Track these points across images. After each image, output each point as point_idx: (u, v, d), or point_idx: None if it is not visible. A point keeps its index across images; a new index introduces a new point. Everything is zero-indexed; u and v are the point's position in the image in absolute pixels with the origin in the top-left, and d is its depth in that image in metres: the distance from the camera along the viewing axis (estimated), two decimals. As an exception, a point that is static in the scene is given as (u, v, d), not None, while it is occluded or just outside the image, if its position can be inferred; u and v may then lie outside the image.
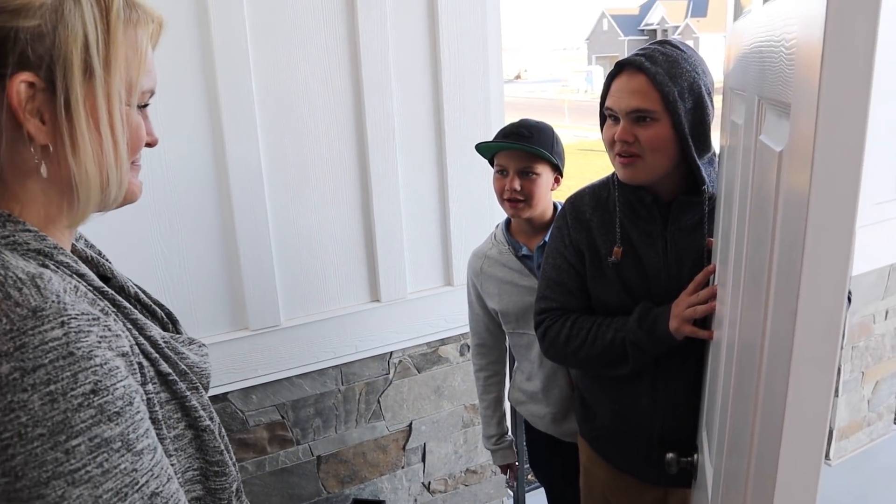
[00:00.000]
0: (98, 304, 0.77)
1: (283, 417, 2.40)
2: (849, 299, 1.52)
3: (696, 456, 1.53)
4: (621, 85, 1.47)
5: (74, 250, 0.91)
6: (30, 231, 0.76)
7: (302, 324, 2.34)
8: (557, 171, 1.94)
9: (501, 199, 1.95)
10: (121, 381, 0.71)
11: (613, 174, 1.63)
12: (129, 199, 0.86)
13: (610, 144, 1.51)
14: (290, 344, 2.33)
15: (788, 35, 0.77)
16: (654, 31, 70.58)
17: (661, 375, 1.58)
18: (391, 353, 2.54)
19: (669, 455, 1.54)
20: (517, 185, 1.89)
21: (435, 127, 2.46)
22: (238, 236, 2.18)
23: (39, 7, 0.73)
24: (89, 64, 0.76)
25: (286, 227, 2.27)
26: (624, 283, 1.57)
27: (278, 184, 2.23)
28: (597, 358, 1.58)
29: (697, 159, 1.46)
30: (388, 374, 2.56)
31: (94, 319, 0.71)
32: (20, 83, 0.72)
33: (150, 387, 0.79)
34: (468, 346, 2.67)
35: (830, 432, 3.36)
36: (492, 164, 1.99)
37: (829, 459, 3.40)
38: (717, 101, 1.49)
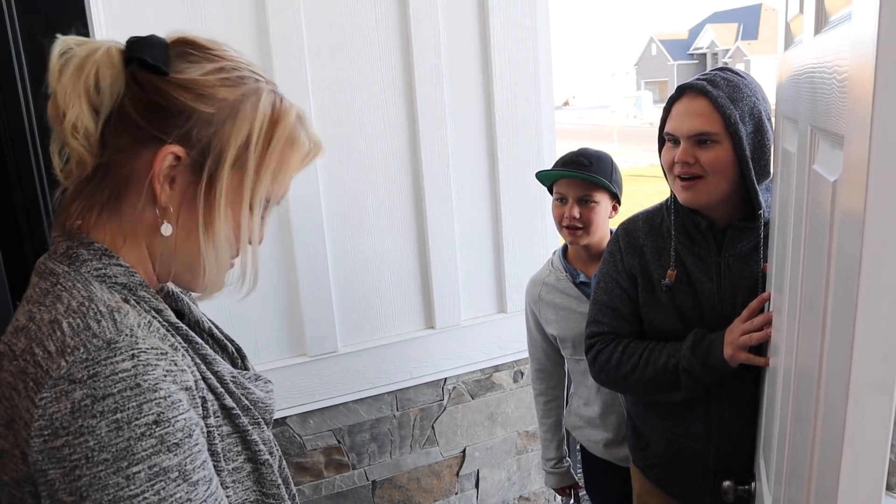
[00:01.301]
0: (169, 340, 0.82)
1: (339, 442, 2.44)
2: None
3: (753, 484, 1.52)
4: (682, 108, 1.49)
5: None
6: (121, 266, 0.83)
7: (358, 350, 2.39)
8: (616, 199, 1.97)
9: (560, 227, 1.99)
10: (182, 413, 0.75)
11: (667, 200, 1.64)
12: (215, 289, 0.92)
13: (669, 167, 1.52)
14: (347, 370, 2.38)
15: (841, 65, 0.79)
16: (704, 54, 69.96)
17: (714, 401, 1.57)
18: (445, 379, 2.57)
19: (726, 483, 1.53)
20: (576, 213, 1.92)
21: (488, 155, 2.51)
22: (297, 265, 2.24)
23: (221, 100, 0.82)
24: (242, 161, 0.84)
25: (343, 255, 2.33)
26: (677, 308, 1.57)
27: (336, 214, 2.29)
28: (648, 383, 1.58)
29: (757, 181, 1.47)
30: (443, 400, 2.59)
31: (162, 354, 0.76)
32: (169, 153, 0.81)
33: (212, 420, 0.83)
34: (522, 373, 2.68)
35: (896, 463, 3.26)
36: (550, 191, 2.03)
37: (896, 491, 3.29)
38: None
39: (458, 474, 2.69)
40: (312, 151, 0.92)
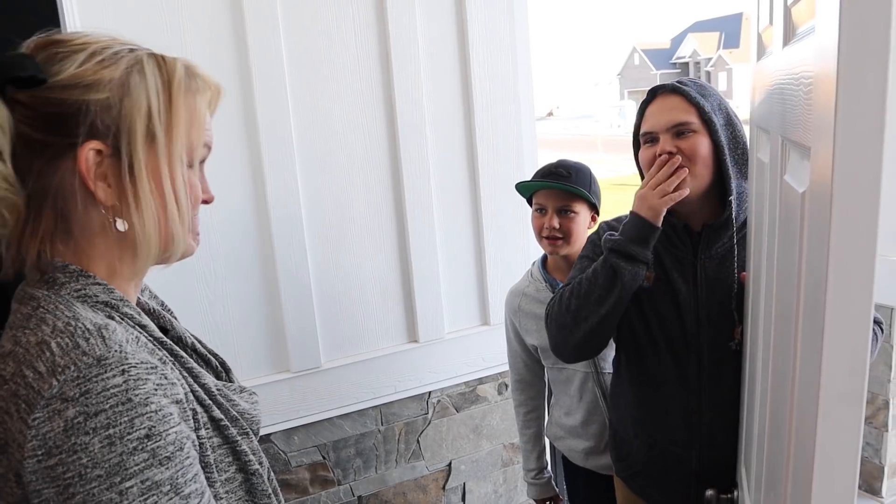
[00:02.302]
0: (157, 354, 0.82)
1: (324, 458, 2.42)
2: (881, 328, 1.51)
3: (735, 492, 1.52)
4: (657, 107, 1.54)
5: (138, 302, 0.97)
6: (99, 284, 0.83)
7: (342, 365, 2.38)
8: (594, 209, 1.99)
9: (539, 237, 2.00)
10: (173, 426, 0.76)
11: None
12: (186, 254, 0.92)
13: (649, 165, 1.53)
14: (331, 385, 2.37)
15: (806, 77, 0.80)
16: (686, 63, 70.59)
17: (694, 406, 1.58)
18: (430, 392, 2.56)
19: (709, 492, 1.53)
20: (556, 223, 1.94)
21: (469, 168, 2.51)
22: (279, 281, 2.24)
23: (109, 81, 0.81)
24: (152, 131, 0.83)
25: (326, 271, 2.33)
26: (654, 307, 1.59)
27: (318, 229, 2.29)
28: (588, 295, 1.53)
29: (732, 168, 1.50)
30: (427, 413, 2.58)
31: (152, 368, 0.76)
32: (89, 151, 0.79)
33: (202, 432, 0.83)
34: (506, 385, 2.68)
35: (882, 469, 3.27)
36: (530, 203, 2.04)
37: (883, 497, 3.30)
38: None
39: (444, 488, 2.68)
40: (214, 94, 0.92)
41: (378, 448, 2.51)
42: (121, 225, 0.82)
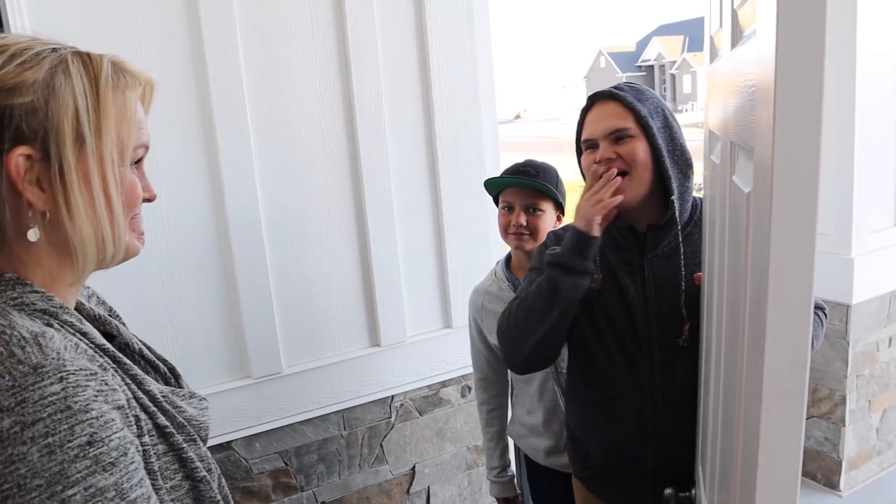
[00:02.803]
0: (97, 361, 0.80)
1: (286, 464, 2.40)
2: (825, 313, 1.55)
3: (693, 490, 1.53)
4: (596, 114, 1.57)
5: (82, 309, 0.95)
6: (37, 292, 0.81)
7: (303, 370, 2.36)
8: (560, 209, 2.01)
9: (505, 234, 2.02)
10: (116, 432, 0.74)
11: None
12: (129, 254, 0.89)
13: (591, 170, 1.57)
14: (292, 391, 2.35)
15: (749, 79, 0.81)
16: (652, 66, 71.41)
17: (647, 404, 1.59)
18: (392, 396, 2.55)
19: (668, 491, 1.54)
20: (523, 221, 1.96)
21: (429, 172, 2.51)
22: (239, 286, 2.21)
23: (32, 84, 0.78)
24: (80, 132, 0.80)
25: (286, 275, 2.31)
26: (604, 308, 1.61)
27: (277, 233, 2.27)
28: (532, 310, 1.56)
29: (671, 169, 1.53)
30: (391, 417, 2.57)
31: (91, 375, 0.75)
32: (18, 156, 0.77)
33: (146, 439, 0.82)
34: (469, 388, 2.67)
35: (840, 463, 3.33)
36: (496, 201, 2.06)
37: (840, 491, 3.36)
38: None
39: (408, 492, 2.66)
40: (147, 88, 0.90)
41: (341, 453, 2.50)
42: (32, 235, 0.80)
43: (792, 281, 0.65)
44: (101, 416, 0.73)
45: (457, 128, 2.52)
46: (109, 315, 1.01)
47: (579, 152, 1.62)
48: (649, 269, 1.58)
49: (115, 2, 1.97)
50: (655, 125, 1.52)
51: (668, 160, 1.52)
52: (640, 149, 1.51)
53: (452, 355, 2.59)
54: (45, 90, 0.79)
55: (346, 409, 2.47)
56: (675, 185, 1.53)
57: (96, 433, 0.72)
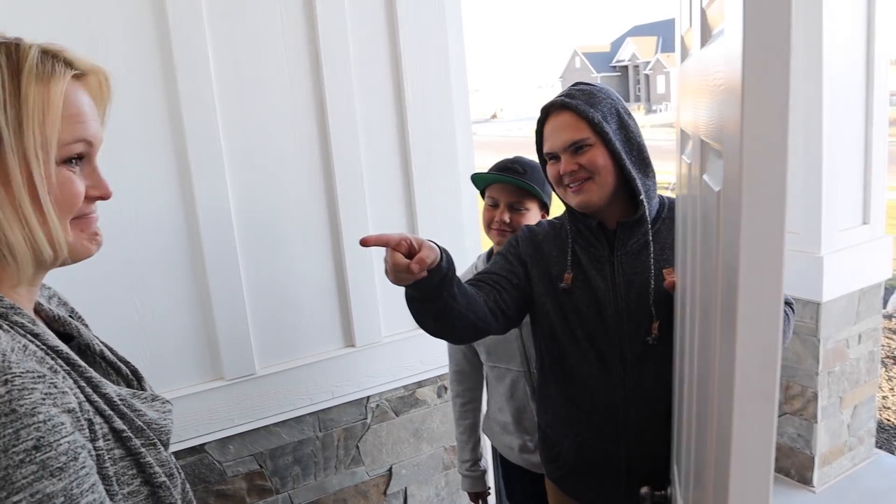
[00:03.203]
0: (47, 363, 0.78)
1: (261, 467, 2.37)
2: (792, 309, 1.57)
3: (669, 489, 1.54)
4: (552, 126, 1.60)
5: (41, 310, 0.93)
6: None
7: (277, 371, 2.34)
8: (545, 209, 2.02)
9: (488, 229, 2.03)
10: (65, 437, 0.72)
11: (567, 210, 1.70)
12: (79, 255, 0.86)
13: (558, 182, 1.61)
14: (266, 392, 2.32)
15: (718, 79, 0.81)
16: (626, 66, 71.89)
17: (620, 401, 1.60)
18: (368, 397, 2.54)
19: (643, 490, 1.55)
20: (507, 218, 1.97)
21: (403, 172, 2.50)
22: (210, 287, 2.18)
23: None
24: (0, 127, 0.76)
25: (258, 276, 2.28)
26: (574, 305, 1.62)
27: (249, 233, 2.24)
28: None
29: (633, 171, 1.56)
30: (366, 418, 2.55)
31: (39, 377, 0.72)
32: None
33: (100, 443, 0.79)
34: (445, 388, 2.67)
35: (812, 459, 3.37)
36: (483, 195, 2.07)
37: (814, 486, 3.40)
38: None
39: (385, 493, 2.65)
40: (95, 78, 0.86)
41: (317, 455, 2.48)
42: None
43: (761, 280, 0.65)
44: (49, 420, 0.71)
45: (430, 127, 2.51)
46: (70, 316, 0.99)
47: (542, 161, 1.66)
48: (619, 265, 1.60)
49: (81, 2, 1.93)
50: (611, 129, 1.54)
51: (628, 161, 1.55)
52: (599, 155, 1.54)
53: (428, 355, 2.58)
54: None
55: (321, 410, 2.45)
56: (639, 184, 1.56)
57: (43, 437, 0.70)
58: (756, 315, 0.66)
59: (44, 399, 0.71)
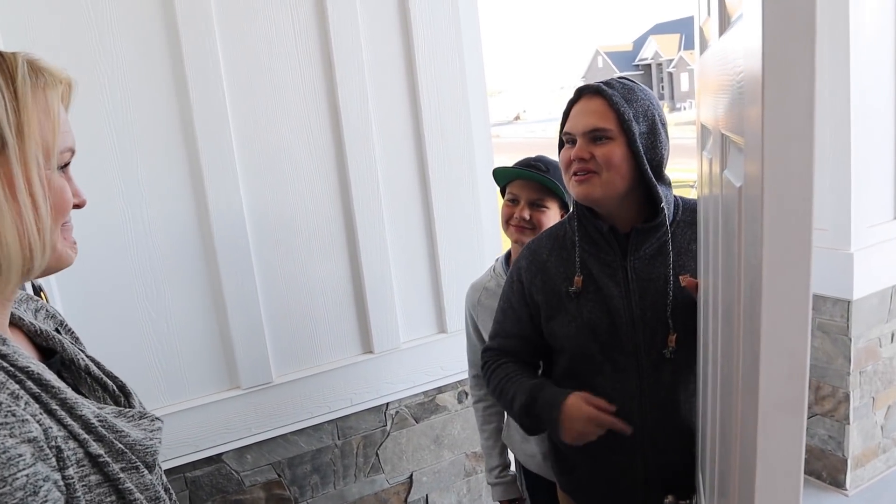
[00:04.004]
0: (7, 388, 0.73)
1: (279, 476, 2.35)
2: None
3: (694, 498, 1.48)
4: (580, 108, 1.52)
5: (21, 325, 0.89)
6: None
7: (294, 380, 2.31)
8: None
9: (506, 225, 1.99)
10: (23, 470, 0.67)
11: (568, 214, 1.65)
12: (60, 264, 0.83)
13: (566, 166, 1.53)
14: (284, 400, 2.29)
15: (737, 68, 0.76)
16: (649, 65, 71.40)
17: (635, 410, 1.52)
18: (387, 404, 2.50)
19: (668, 499, 1.49)
20: (526, 215, 1.93)
21: (419, 176, 2.46)
22: (225, 295, 2.16)
23: None
24: (1, 135, 0.75)
25: (274, 283, 2.26)
26: (585, 316, 1.54)
27: (263, 241, 2.22)
28: (503, 407, 1.67)
29: (653, 177, 1.47)
30: (386, 425, 2.52)
31: None
32: None
33: (71, 471, 0.74)
34: (466, 394, 2.62)
35: (845, 461, 3.28)
36: (503, 193, 2.03)
37: (846, 489, 3.30)
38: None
39: (406, 501, 2.61)
40: (66, 88, 0.85)
41: (336, 463, 2.44)
42: None
43: (787, 282, 0.60)
44: (5, 453, 0.66)
45: (445, 129, 2.47)
46: (57, 330, 0.95)
47: (561, 144, 1.58)
48: (632, 271, 1.52)
49: (91, 7, 1.92)
50: (638, 129, 1.46)
51: (649, 166, 1.47)
52: (617, 152, 1.46)
53: (448, 360, 2.54)
54: None
55: (340, 417, 2.41)
56: (660, 191, 1.48)
57: None
58: (782, 319, 0.61)
59: None
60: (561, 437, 1.46)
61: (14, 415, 0.69)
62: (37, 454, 0.70)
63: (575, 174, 1.50)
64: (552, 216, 1.95)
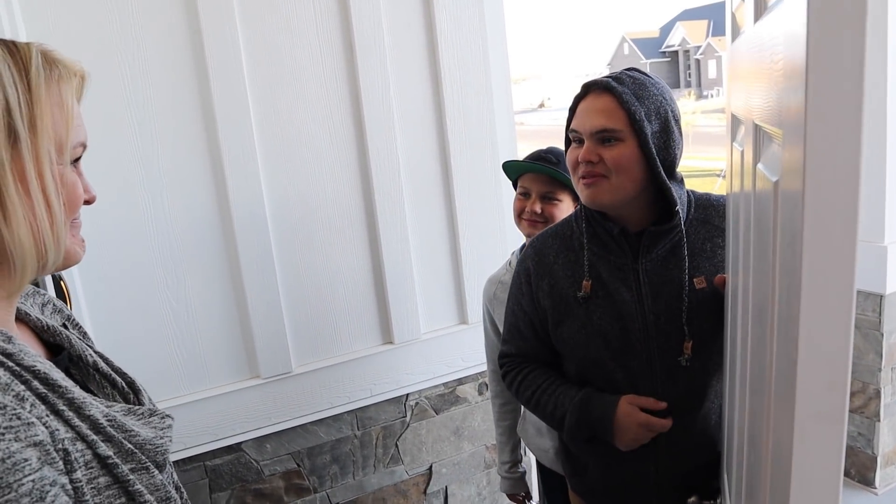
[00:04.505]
0: (13, 390, 0.71)
1: (298, 465, 2.34)
2: None
3: (719, 500, 1.44)
4: (587, 106, 1.42)
5: (27, 320, 0.87)
6: None
7: (314, 369, 2.29)
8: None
9: (519, 219, 1.95)
10: (28, 475, 0.65)
11: (576, 210, 1.57)
12: (68, 261, 0.81)
13: (574, 167, 1.45)
14: (303, 390, 2.28)
15: (776, 55, 0.71)
16: (676, 52, 70.54)
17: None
18: (407, 395, 2.48)
19: (692, 499, 1.45)
20: (538, 208, 1.89)
21: (441, 164, 2.42)
22: (245, 284, 2.15)
23: None
24: (13, 128, 0.73)
25: (294, 272, 2.24)
26: (595, 323, 1.47)
27: (284, 229, 2.20)
28: (542, 420, 1.60)
29: (665, 178, 1.39)
30: (405, 416, 2.50)
31: None
32: None
33: (80, 473, 0.72)
34: (486, 385, 2.59)
35: (875, 459, 3.21)
36: (515, 186, 1.99)
37: (876, 488, 3.24)
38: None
39: (425, 492, 2.59)
40: (79, 79, 0.83)
41: (355, 454, 2.43)
42: None
43: (829, 286, 0.56)
44: (10, 458, 0.64)
45: (468, 117, 2.42)
46: (65, 325, 0.93)
47: (568, 141, 1.49)
48: (644, 273, 1.45)
49: (113, 2, 1.91)
50: (650, 129, 1.36)
51: (662, 167, 1.38)
52: (627, 154, 1.37)
53: (469, 352, 2.51)
54: None
55: (359, 408, 2.40)
56: (674, 192, 1.40)
57: (2, 478, 0.63)
58: (822, 325, 0.57)
59: (3, 434, 0.65)
60: (614, 444, 1.42)
61: (19, 418, 0.67)
62: (43, 458, 0.68)
63: (583, 177, 1.42)
64: (564, 209, 1.90)
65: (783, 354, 0.66)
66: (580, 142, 1.43)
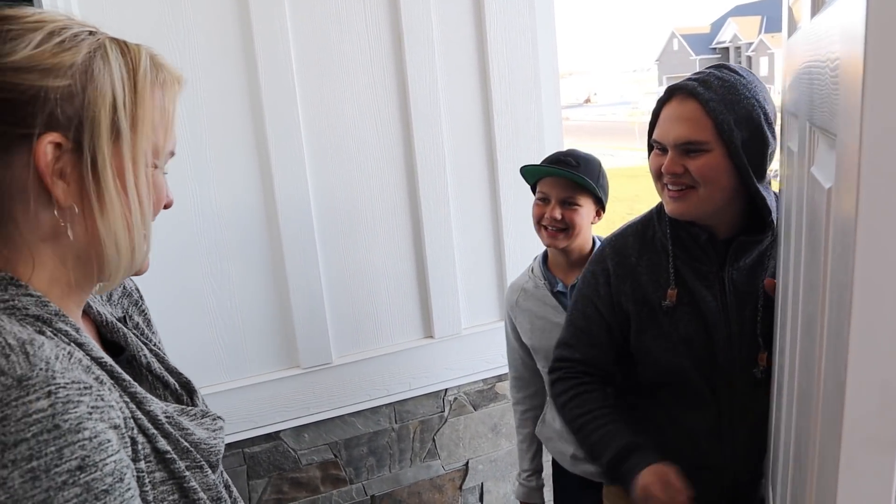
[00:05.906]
0: (93, 373, 0.71)
1: (335, 456, 2.35)
2: None
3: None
4: (671, 112, 1.34)
5: (89, 312, 0.88)
6: (32, 296, 0.73)
7: (354, 361, 2.30)
8: (600, 204, 1.85)
9: (539, 227, 1.88)
10: (111, 455, 0.66)
11: (655, 208, 1.51)
12: (143, 267, 0.82)
13: (657, 176, 1.38)
14: (342, 382, 2.29)
15: (832, 53, 0.67)
16: (727, 48, 69.00)
17: (726, 426, 1.42)
18: (446, 390, 2.47)
19: None
20: (558, 214, 1.81)
21: (487, 158, 2.39)
22: (288, 274, 2.16)
23: (70, 67, 0.71)
24: (117, 125, 0.74)
25: (336, 264, 2.24)
26: (681, 332, 1.41)
27: (328, 221, 2.20)
28: (578, 443, 1.56)
29: (759, 187, 1.31)
30: (444, 411, 2.49)
31: (85, 388, 0.66)
32: (48, 144, 0.70)
33: (142, 464, 0.73)
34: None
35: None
36: (534, 191, 1.92)
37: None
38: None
39: (460, 488, 2.58)
40: (179, 86, 0.84)
41: (392, 447, 2.43)
42: (72, 232, 0.73)
43: (882, 305, 0.52)
44: (96, 437, 0.64)
45: (516, 111, 2.39)
46: (127, 314, 0.94)
47: (650, 147, 1.42)
48: (730, 282, 1.39)
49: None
50: (740, 136, 1.27)
51: (755, 176, 1.30)
52: (715, 164, 1.29)
53: (508, 349, 2.49)
54: (84, 75, 0.72)
55: (398, 401, 2.40)
56: (770, 203, 1.32)
57: (89, 456, 0.63)
58: (874, 346, 0.54)
59: (90, 413, 0.65)
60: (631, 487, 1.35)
61: (103, 399, 0.68)
62: (120, 441, 0.69)
63: (668, 188, 1.35)
64: (585, 214, 1.83)
65: (832, 374, 0.62)
66: (663, 150, 1.36)
